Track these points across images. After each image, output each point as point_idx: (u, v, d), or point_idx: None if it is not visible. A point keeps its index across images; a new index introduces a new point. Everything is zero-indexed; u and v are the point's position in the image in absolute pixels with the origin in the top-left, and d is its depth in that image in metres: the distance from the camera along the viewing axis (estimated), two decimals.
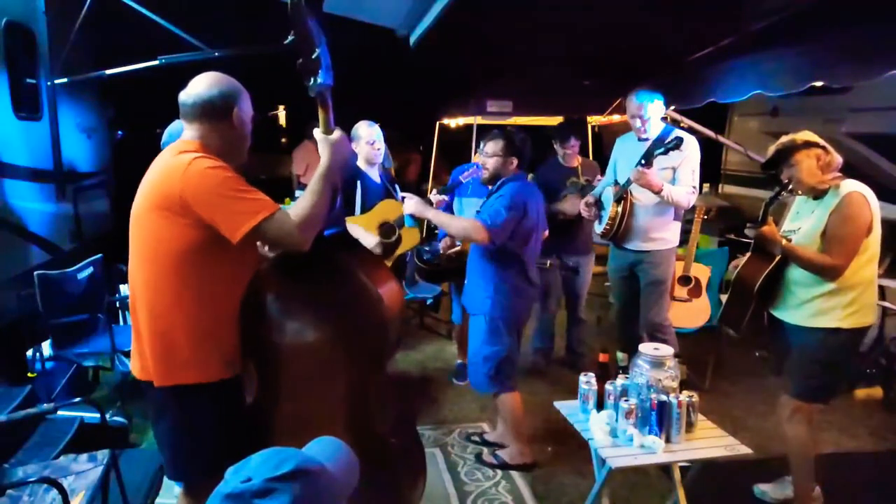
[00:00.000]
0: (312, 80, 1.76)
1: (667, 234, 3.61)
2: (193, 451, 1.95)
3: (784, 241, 2.60)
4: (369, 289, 1.95)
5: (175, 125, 2.64)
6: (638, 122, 3.52)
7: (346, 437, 1.98)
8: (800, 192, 2.66)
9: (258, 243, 2.01)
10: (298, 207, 1.81)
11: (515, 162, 3.02)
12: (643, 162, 3.41)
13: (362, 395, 2.01)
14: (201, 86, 1.88)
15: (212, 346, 1.89)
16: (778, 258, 2.67)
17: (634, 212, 3.58)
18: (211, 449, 1.92)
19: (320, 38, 1.76)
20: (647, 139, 3.53)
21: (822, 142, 2.59)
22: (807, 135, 2.61)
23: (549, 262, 4.20)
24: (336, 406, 2.01)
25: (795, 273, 2.65)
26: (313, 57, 1.74)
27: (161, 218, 1.80)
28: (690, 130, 5.92)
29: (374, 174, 3.69)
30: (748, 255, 2.78)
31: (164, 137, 2.69)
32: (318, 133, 1.92)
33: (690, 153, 3.48)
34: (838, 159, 2.59)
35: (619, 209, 3.58)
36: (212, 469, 1.93)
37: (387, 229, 3.54)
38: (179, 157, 1.81)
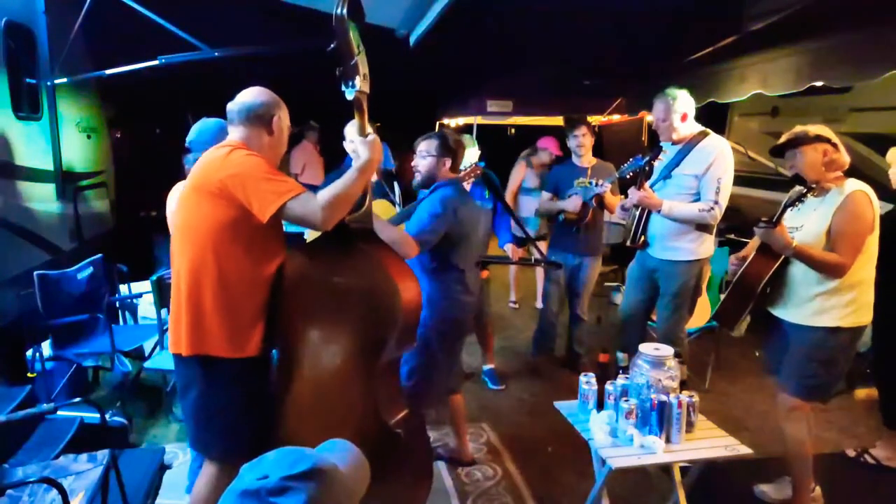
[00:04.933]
0: (351, 85, 1.95)
1: (685, 245, 3.37)
2: (214, 423, 2.14)
3: (794, 243, 2.56)
4: (389, 280, 2.10)
5: (203, 123, 2.80)
6: (660, 126, 3.37)
7: (355, 423, 2.07)
8: (813, 190, 2.62)
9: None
10: (327, 191, 2.00)
11: (449, 163, 2.91)
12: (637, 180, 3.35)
13: (372, 383, 2.12)
14: (247, 96, 2.17)
15: (235, 323, 2.08)
16: (782, 257, 2.66)
17: (650, 218, 3.45)
18: (230, 422, 2.11)
19: (360, 48, 1.95)
20: (678, 140, 3.37)
21: (834, 139, 2.58)
22: (820, 129, 2.60)
23: (533, 257, 4.22)
24: (348, 391, 2.13)
25: (797, 272, 2.64)
26: (352, 64, 1.93)
27: (200, 199, 2.05)
28: None
29: None
30: (753, 254, 2.75)
31: (191, 135, 2.80)
32: (353, 135, 2.09)
33: (717, 161, 3.25)
34: (845, 159, 2.58)
35: (636, 213, 3.47)
36: (231, 443, 2.11)
37: None
38: (221, 149, 2.10)
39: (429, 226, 2.75)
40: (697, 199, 3.32)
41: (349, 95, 1.99)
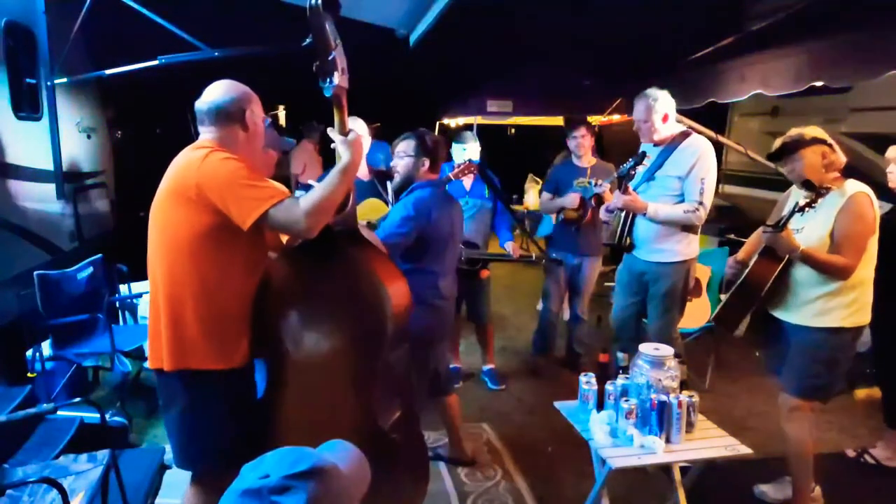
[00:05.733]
0: (328, 81, 1.86)
1: (671, 246, 3.33)
2: (200, 438, 2.05)
3: (801, 247, 2.54)
4: (377, 282, 2.04)
5: None
6: (642, 127, 3.35)
7: (349, 429, 2.03)
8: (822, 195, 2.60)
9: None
10: (310, 196, 1.90)
11: (428, 163, 2.87)
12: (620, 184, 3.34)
13: (366, 387, 2.08)
14: (215, 93, 2.04)
15: (220, 334, 1.99)
16: (784, 260, 2.65)
17: (635, 221, 3.42)
18: (217, 436, 2.03)
19: (336, 41, 1.85)
20: (660, 141, 3.34)
21: (829, 139, 2.59)
22: (815, 131, 2.60)
23: (533, 255, 4.24)
24: (341, 397, 2.09)
25: (798, 273, 2.64)
26: (329, 59, 1.83)
27: (177, 206, 1.94)
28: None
29: (363, 171, 3.68)
30: (755, 258, 2.73)
31: None
32: (334, 134, 2.00)
33: (699, 161, 3.22)
34: (842, 159, 2.58)
35: (622, 215, 3.44)
36: (218, 458, 2.03)
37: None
38: (196, 151, 1.97)
39: (398, 228, 2.71)
40: (681, 200, 3.29)
41: (327, 92, 1.89)
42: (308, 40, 1.84)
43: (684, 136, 3.33)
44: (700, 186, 3.22)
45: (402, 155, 2.89)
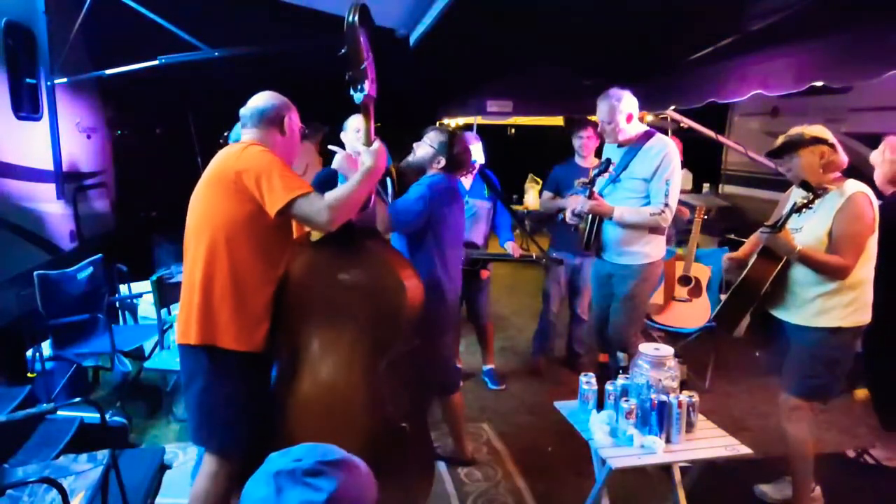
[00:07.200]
0: (360, 89, 2.00)
1: (642, 248, 3.28)
2: (215, 414, 2.19)
3: (799, 247, 2.54)
4: (395, 277, 2.17)
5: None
6: (606, 128, 3.30)
7: (361, 418, 2.12)
8: (819, 195, 2.59)
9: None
10: (333, 193, 2.08)
11: (443, 162, 2.93)
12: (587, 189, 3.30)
13: (378, 378, 2.17)
14: (258, 100, 2.27)
15: (245, 317, 2.15)
16: (783, 260, 2.65)
17: (602, 224, 3.36)
18: (234, 416, 2.17)
19: (368, 53, 2.02)
20: (624, 141, 3.30)
21: (831, 139, 2.57)
22: (817, 130, 2.59)
23: (533, 254, 4.24)
24: (354, 387, 2.18)
25: (797, 273, 2.64)
26: (361, 68, 2.00)
27: (216, 193, 2.14)
28: (690, 130, 5.94)
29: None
30: (754, 259, 2.72)
31: (234, 134, 2.92)
32: (360, 145, 2.18)
33: (664, 162, 3.16)
34: (843, 160, 2.57)
35: (588, 219, 3.38)
36: (233, 437, 2.15)
37: None
38: (237, 145, 2.22)
39: (412, 206, 2.78)
40: (647, 202, 3.25)
41: (357, 100, 2.06)
42: (343, 51, 2.00)
43: (648, 136, 3.28)
44: (665, 188, 3.18)
45: (427, 143, 2.97)
